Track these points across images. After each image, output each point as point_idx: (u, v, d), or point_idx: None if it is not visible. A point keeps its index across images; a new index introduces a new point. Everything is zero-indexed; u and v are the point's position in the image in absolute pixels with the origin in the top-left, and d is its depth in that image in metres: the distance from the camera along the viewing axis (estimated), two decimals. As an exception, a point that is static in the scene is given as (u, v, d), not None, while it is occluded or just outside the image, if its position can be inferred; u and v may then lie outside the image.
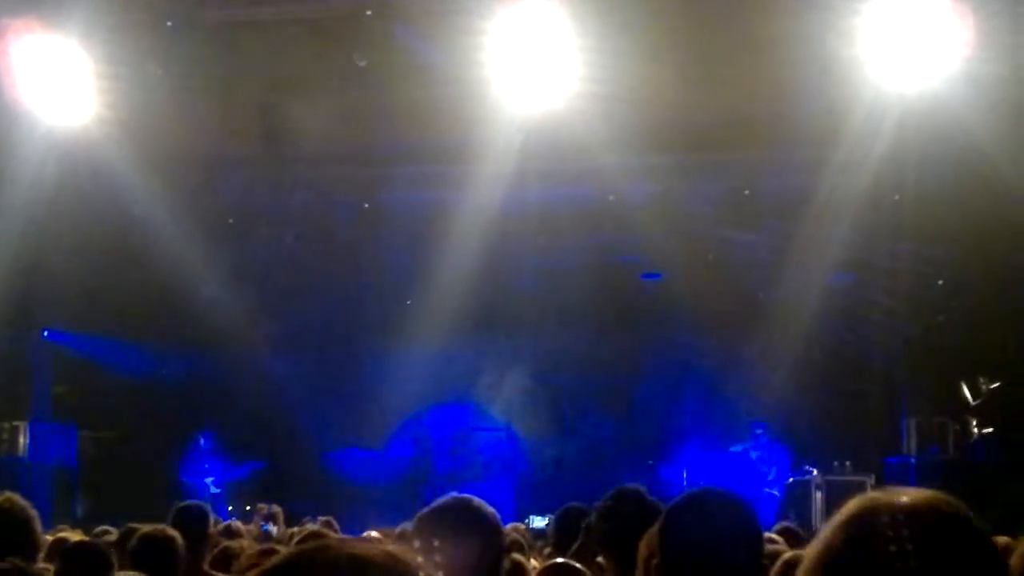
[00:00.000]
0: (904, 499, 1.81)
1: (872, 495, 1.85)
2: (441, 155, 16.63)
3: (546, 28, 13.75)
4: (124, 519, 9.72)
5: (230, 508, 19.01)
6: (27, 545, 4.85)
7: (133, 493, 18.74)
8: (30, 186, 15.83)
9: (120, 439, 20.71)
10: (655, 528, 3.76)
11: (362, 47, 14.69)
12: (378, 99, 15.62)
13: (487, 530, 4.12)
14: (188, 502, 8.26)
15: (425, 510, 4.19)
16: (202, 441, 20.04)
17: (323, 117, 16.41)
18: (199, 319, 19.46)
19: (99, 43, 14.23)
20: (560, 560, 5.25)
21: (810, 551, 1.84)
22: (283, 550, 6.09)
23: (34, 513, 5.04)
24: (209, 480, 19.79)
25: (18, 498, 5.06)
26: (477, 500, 4.21)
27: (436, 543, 3.90)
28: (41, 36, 14.13)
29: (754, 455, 19.73)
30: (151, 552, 6.29)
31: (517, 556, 6.10)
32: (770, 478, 19.31)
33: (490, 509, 4.19)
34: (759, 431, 19.56)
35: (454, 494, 4.28)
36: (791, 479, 18.82)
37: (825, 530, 1.83)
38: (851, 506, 1.84)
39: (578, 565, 5.12)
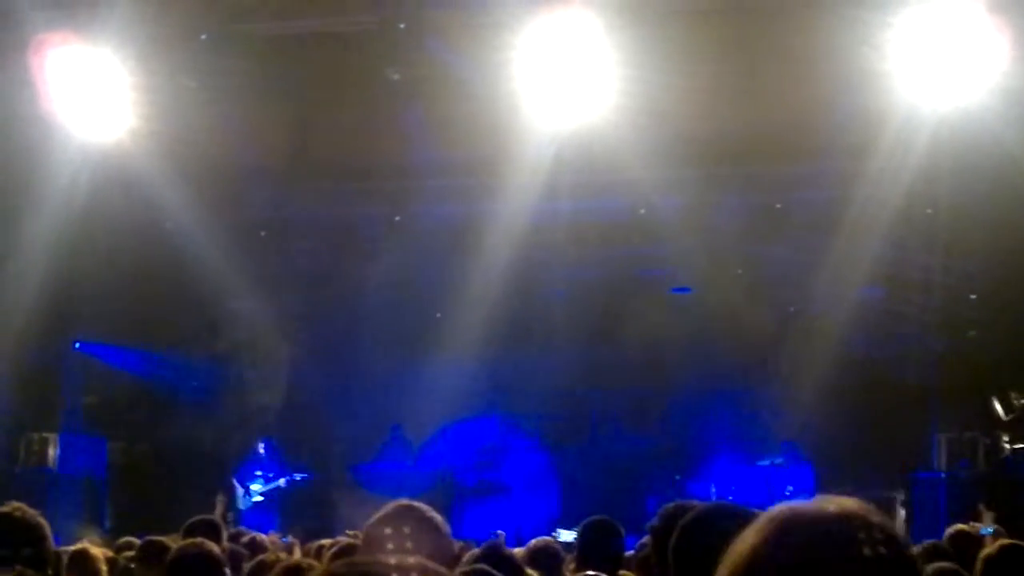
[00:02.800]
0: (830, 508, 1.85)
1: (794, 504, 1.90)
2: (472, 168, 16.66)
3: (578, 42, 13.76)
4: (153, 532, 9.74)
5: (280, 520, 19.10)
6: (35, 555, 4.84)
7: (162, 505, 18.79)
8: (63, 198, 15.91)
9: (150, 451, 20.75)
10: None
11: (395, 61, 14.71)
12: (410, 112, 15.67)
13: (435, 536, 4.12)
14: (198, 517, 8.26)
15: (371, 520, 4.18)
16: (261, 448, 20.06)
17: (356, 129, 16.46)
18: (230, 331, 19.52)
19: (133, 56, 14.28)
20: (590, 573, 5.21)
21: (732, 555, 1.89)
22: (302, 562, 6.07)
23: (44, 523, 5.02)
24: (256, 487, 19.82)
25: (27, 508, 5.05)
26: (424, 506, 4.20)
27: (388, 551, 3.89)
28: (76, 49, 14.20)
29: (779, 464, 19.71)
30: (193, 567, 6.25)
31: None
32: (788, 492, 19.28)
33: (437, 516, 4.18)
34: (787, 450, 19.54)
35: (402, 501, 4.27)
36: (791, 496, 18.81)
37: (749, 535, 1.88)
38: (774, 513, 1.89)
39: None
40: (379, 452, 21.09)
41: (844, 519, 1.84)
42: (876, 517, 1.86)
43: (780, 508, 1.91)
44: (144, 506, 19.83)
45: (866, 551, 1.80)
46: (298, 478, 20.02)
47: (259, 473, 19.87)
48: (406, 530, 3.99)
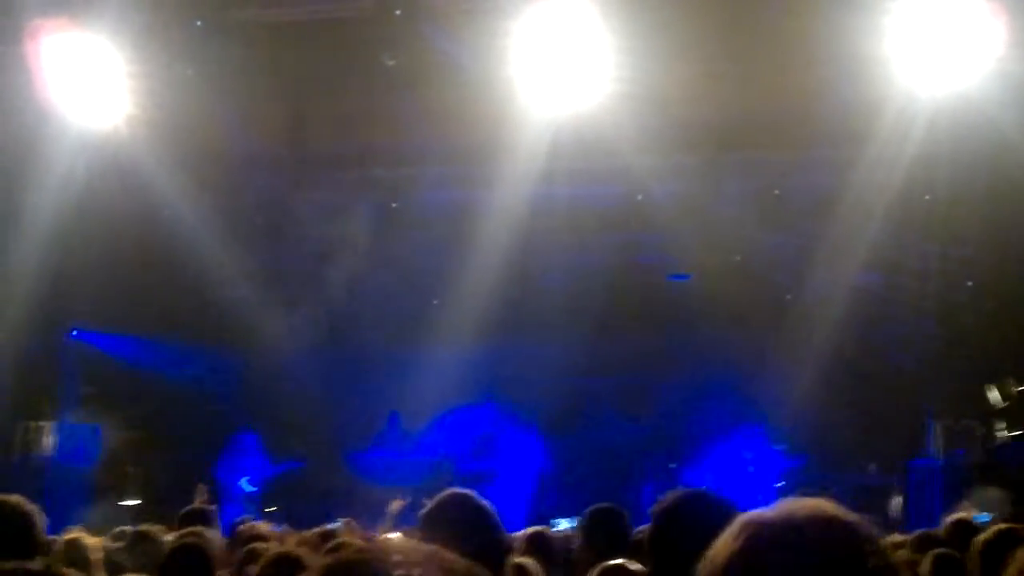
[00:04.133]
0: (799, 513, 1.89)
1: (769, 509, 1.94)
2: (469, 155, 16.64)
3: (575, 28, 13.76)
4: (150, 520, 9.75)
5: (275, 508, 19.10)
6: (26, 546, 4.84)
7: (159, 493, 18.78)
8: (60, 185, 15.90)
9: (147, 439, 20.73)
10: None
11: (391, 47, 14.72)
12: (406, 99, 15.63)
13: (490, 526, 4.13)
14: (193, 506, 8.25)
15: (428, 508, 4.20)
16: (244, 440, 20.07)
17: (351, 116, 16.43)
18: (227, 319, 19.49)
19: (129, 43, 14.29)
20: (619, 561, 5.19)
21: (707, 564, 1.92)
22: (297, 550, 6.03)
23: (39, 515, 5.03)
24: (244, 480, 19.81)
25: (24, 500, 5.06)
26: (476, 496, 4.22)
27: (441, 541, 3.90)
28: (71, 36, 14.20)
29: (748, 455, 19.81)
30: (187, 559, 6.26)
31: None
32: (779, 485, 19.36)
33: (488, 504, 4.20)
34: (784, 437, 19.60)
35: (455, 490, 4.28)
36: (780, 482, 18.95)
37: (723, 543, 1.91)
38: (745, 520, 1.92)
39: (635, 566, 5.08)
40: (376, 440, 21.08)
41: (814, 523, 1.86)
42: (849, 518, 1.89)
43: (751, 515, 1.93)
44: (141, 495, 19.87)
45: (838, 554, 1.83)
46: (295, 466, 20.03)
47: (246, 465, 19.89)
48: (458, 519, 4.02)
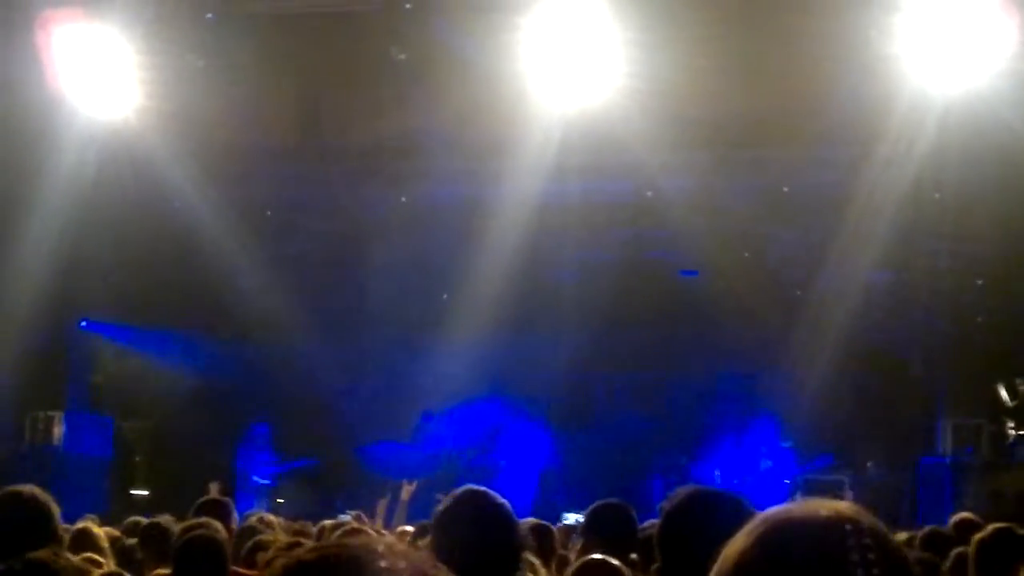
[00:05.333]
0: (821, 511, 1.86)
1: (786, 507, 1.91)
2: (479, 149, 16.63)
3: (585, 23, 13.78)
4: (158, 510, 9.77)
5: (282, 501, 19.16)
6: (46, 538, 4.87)
7: (168, 484, 18.83)
8: (70, 177, 15.95)
9: (157, 430, 20.78)
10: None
11: (401, 41, 14.73)
12: (416, 93, 15.63)
13: (506, 523, 4.13)
14: (209, 497, 8.25)
15: (442, 505, 4.19)
16: (257, 432, 20.12)
17: (362, 110, 16.44)
18: (237, 311, 19.51)
19: (140, 35, 14.34)
20: (598, 556, 5.16)
21: (723, 558, 1.89)
22: (307, 543, 6.10)
23: (54, 506, 5.06)
24: (259, 472, 19.88)
25: (40, 491, 5.08)
26: (492, 493, 4.21)
27: (457, 538, 3.92)
28: (83, 27, 14.25)
29: (763, 450, 19.82)
30: (199, 551, 6.29)
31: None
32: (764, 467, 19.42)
33: (505, 501, 4.19)
34: (793, 434, 19.61)
35: (469, 487, 4.28)
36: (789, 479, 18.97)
37: (739, 538, 1.88)
38: (765, 515, 1.89)
39: (615, 562, 5.05)
40: (386, 433, 21.06)
41: (834, 523, 1.84)
42: (867, 520, 1.86)
43: (772, 511, 1.90)
44: (151, 485, 19.92)
45: (855, 556, 1.80)
46: (309, 464, 20.10)
47: (261, 457, 19.93)
48: (473, 518, 4.02)
